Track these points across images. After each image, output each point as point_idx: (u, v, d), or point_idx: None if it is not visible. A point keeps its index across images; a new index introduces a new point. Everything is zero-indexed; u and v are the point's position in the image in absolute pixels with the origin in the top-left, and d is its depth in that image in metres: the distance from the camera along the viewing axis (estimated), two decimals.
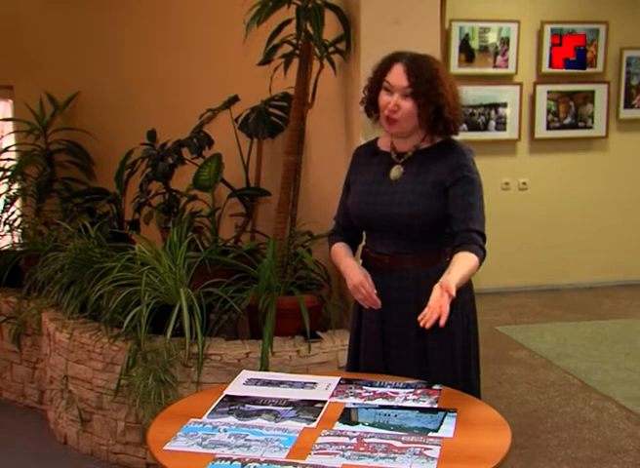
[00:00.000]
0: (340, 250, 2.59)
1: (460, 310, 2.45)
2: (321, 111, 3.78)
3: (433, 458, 1.85)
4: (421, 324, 2.11)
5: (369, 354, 2.55)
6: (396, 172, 2.46)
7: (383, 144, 2.55)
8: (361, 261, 2.59)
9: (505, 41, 6.41)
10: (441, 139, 2.47)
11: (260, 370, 3.24)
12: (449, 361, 2.45)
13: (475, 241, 2.33)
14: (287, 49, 3.64)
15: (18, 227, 4.87)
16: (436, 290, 2.16)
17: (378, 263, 2.49)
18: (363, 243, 2.61)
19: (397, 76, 2.37)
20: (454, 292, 2.14)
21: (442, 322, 2.10)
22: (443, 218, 2.40)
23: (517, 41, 6.41)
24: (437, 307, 2.10)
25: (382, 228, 2.46)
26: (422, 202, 2.38)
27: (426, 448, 1.90)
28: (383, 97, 2.41)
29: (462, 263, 2.27)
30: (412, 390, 2.28)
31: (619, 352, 5.09)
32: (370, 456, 1.87)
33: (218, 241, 4.00)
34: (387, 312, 2.47)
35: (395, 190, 2.43)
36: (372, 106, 2.50)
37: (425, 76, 2.35)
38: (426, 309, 2.13)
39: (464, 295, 2.47)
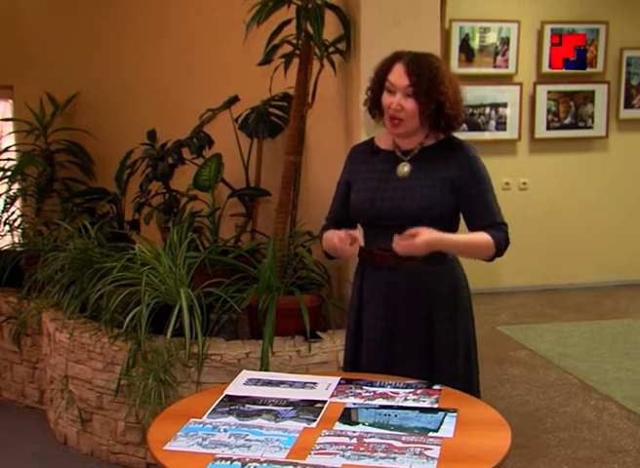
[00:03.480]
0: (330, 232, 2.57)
1: (460, 311, 2.49)
2: (321, 111, 3.78)
3: (433, 458, 1.85)
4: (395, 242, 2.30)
5: (372, 352, 2.54)
6: (404, 168, 2.47)
7: (383, 143, 2.55)
8: (357, 260, 2.60)
9: (505, 41, 6.41)
10: (444, 136, 2.49)
11: (261, 370, 3.24)
12: (453, 357, 2.47)
13: (499, 230, 2.44)
14: (287, 49, 3.64)
15: (18, 227, 4.87)
16: (423, 236, 2.29)
17: (383, 260, 2.48)
18: (362, 243, 2.60)
19: (398, 75, 2.39)
20: (422, 240, 2.28)
21: (396, 247, 2.31)
22: (451, 214, 2.45)
23: (517, 41, 6.41)
24: (410, 246, 2.29)
25: (389, 224, 2.44)
26: (434, 195, 2.41)
27: (426, 448, 1.90)
28: (387, 98, 2.43)
29: (468, 234, 2.43)
30: (412, 390, 2.28)
31: (619, 352, 5.09)
32: (370, 456, 1.87)
33: (218, 241, 3.99)
34: (393, 308, 2.48)
35: (405, 185, 2.45)
36: (375, 107, 2.51)
37: (426, 75, 2.37)
38: (406, 240, 2.30)
39: (462, 294, 2.52)
